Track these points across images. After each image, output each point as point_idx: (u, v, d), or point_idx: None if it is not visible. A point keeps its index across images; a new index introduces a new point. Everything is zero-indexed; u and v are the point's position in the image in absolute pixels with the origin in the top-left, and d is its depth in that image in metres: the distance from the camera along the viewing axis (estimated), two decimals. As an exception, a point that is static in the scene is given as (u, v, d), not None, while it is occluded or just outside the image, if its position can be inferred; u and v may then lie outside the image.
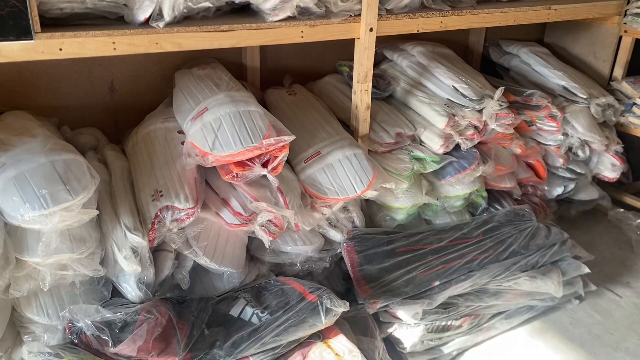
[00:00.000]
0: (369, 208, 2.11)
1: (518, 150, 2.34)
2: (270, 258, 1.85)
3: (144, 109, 2.01)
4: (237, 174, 1.63)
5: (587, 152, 2.52)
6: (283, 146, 1.67)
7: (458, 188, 2.11)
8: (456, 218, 2.23)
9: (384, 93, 2.22)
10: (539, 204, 2.48)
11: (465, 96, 2.08)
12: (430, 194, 2.10)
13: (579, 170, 2.56)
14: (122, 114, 2.06)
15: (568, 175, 2.56)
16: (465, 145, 2.07)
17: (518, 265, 2.00)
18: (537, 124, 2.37)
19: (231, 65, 2.15)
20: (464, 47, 2.83)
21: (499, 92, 2.08)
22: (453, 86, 2.12)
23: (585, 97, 2.40)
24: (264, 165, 1.67)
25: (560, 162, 2.49)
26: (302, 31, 1.77)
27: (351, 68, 2.26)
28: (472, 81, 2.15)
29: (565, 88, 2.44)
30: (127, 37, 1.52)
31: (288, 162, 1.90)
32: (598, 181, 2.74)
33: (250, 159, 1.65)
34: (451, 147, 2.07)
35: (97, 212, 1.51)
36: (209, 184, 1.77)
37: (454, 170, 2.07)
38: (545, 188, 2.54)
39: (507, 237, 2.11)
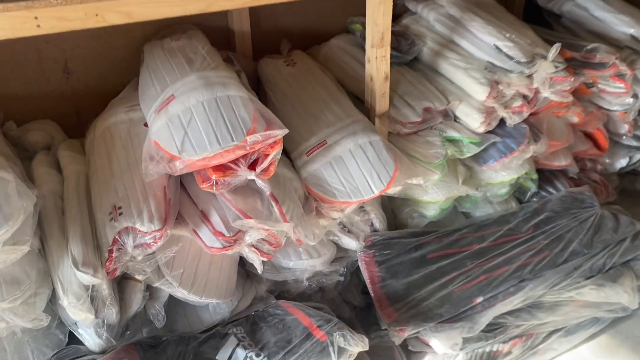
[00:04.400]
0: (392, 202, 1.71)
1: (575, 119, 1.89)
2: (269, 275, 1.49)
3: (110, 92, 1.61)
4: (216, 181, 1.26)
5: (660, 115, 2.05)
6: (275, 142, 1.28)
7: (503, 174, 1.70)
8: (500, 207, 1.82)
9: (406, 56, 1.78)
10: (600, 182, 2.05)
11: (510, 57, 1.63)
12: (468, 182, 1.69)
13: (647, 137, 2.11)
14: (84, 100, 1.68)
15: (634, 143, 2.10)
16: (512, 120, 1.63)
17: (581, 270, 1.60)
18: (599, 85, 1.91)
19: (215, 31, 1.73)
20: (503, -10, 2.33)
21: (554, 51, 1.62)
22: (495, 45, 1.67)
23: (661, 48, 1.92)
24: (252, 166, 1.29)
25: (625, 128, 2.04)
26: (291, -15, 1.35)
27: (365, 26, 1.82)
28: (519, 37, 1.68)
29: (634, 37, 1.95)
30: (54, 10, 1.12)
31: (286, 154, 1.51)
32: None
33: (234, 161, 1.27)
34: (494, 124, 1.64)
35: (27, 249, 1.15)
36: (185, 189, 1.40)
37: (498, 153, 1.65)
38: (607, 161, 2.09)
39: (564, 231, 1.71)
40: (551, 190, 1.90)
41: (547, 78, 1.64)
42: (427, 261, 1.59)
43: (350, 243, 1.55)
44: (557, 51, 1.63)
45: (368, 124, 1.52)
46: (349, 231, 1.56)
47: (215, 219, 1.30)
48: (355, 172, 1.43)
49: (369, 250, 1.55)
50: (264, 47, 1.84)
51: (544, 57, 1.64)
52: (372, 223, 1.59)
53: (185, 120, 1.26)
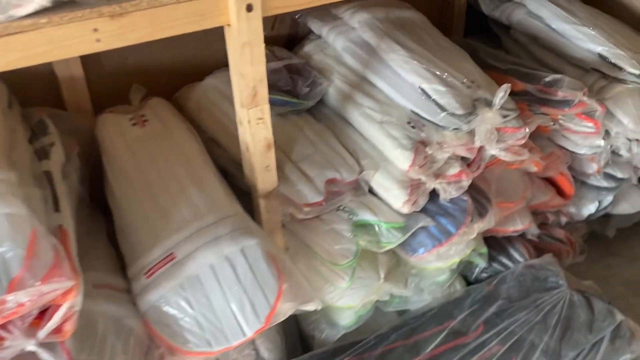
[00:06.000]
0: (293, 307, 1.25)
1: (534, 168, 1.46)
2: None
3: None
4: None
5: (635, 150, 1.64)
6: (67, 291, 0.80)
7: (439, 264, 1.25)
8: (440, 293, 1.38)
9: (305, 102, 1.31)
10: (565, 239, 1.64)
11: (442, 108, 1.17)
12: (393, 274, 1.24)
13: (619, 175, 1.69)
14: None
15: (605, 184, 1.69)
16: (447, 194, 1.18)
17: (550, 394, 1.19)
18: (561, 122, 1.48)
19: (35, 79, 1.22)
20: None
21: (502, 94, 1.17)
22: (421, 88, 1.20)
23: (637, 72, 1.48)
24: (36, 323, 0.80)
25: (593, 168, 1.63)
26: (95, 29, 0.86)
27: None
28: (454, 75, 1.22)
29: (603, 57, 1.51)
30: None
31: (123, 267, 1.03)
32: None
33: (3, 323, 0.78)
34: (422, 202, 1.19)
35: None
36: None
37: (430, 239, 1.20)
38: (572, 210, 1.68)
39: (524, 331, 1.28)
40: (505, 261, 1.48)
41: (494, 130, 1.19)
42: (342, 399, 1.14)
43: (225, 391, 1.09)
44: (507, 94, 1.18)
45: (241, 220, 1.04)
46: (223, 371, 1.10)
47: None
48: (219, 303, 0.96)
49: (252, 399, 1.09)
50: (111, 94, 1.33)
51: (489, 104, 1.19)
52: (258, 353, 1.12)
53: None
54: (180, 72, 1.44)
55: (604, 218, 1.83)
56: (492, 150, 1.21)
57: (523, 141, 1.24)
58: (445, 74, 1.20)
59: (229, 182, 1.23)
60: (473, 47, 1.55)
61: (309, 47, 1.44)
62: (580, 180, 1.70)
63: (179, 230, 1.01)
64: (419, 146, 1.15)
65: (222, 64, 1.45)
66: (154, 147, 1.16)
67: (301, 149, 1.23)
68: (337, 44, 1.37)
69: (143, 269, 1.00)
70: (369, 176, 1.19)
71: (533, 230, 1.51)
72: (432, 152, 1.15)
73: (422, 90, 1.19)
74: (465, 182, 1.19)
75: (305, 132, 1.27)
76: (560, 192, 1.63)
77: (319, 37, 1.45)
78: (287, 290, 0.99)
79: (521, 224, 1.45)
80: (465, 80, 1.21)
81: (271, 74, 1.29)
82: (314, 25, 1.44)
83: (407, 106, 1.22)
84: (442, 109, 1.15)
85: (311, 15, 1.46)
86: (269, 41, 1.52)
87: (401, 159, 1.15)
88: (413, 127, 1.18)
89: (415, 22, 1.40)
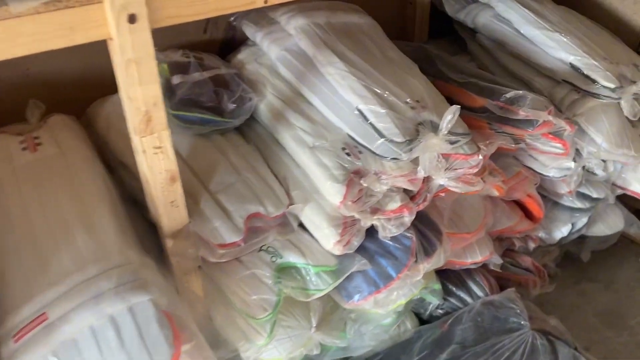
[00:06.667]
0: None
1: (495, 193, 1.30)
2: None
3: None
4: None
5: (611, 168, 1.49)
6: None
7: (379, 311, 1.09)
8: (387, 335, 1.23)
9: (230, 121, 1.13)
10: (533, 268, 1.48)
11: (380, 133, 1.00)
12: (327, 321, 1.08)
13: (595, 195, 1.54)
14: None
15: (578, 205, 1.54)
16: (387, 232, 1.02)
17: None
18: (528, 141, 1.32)
19: None
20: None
21: (449, 117, 1.00)
22: (358, 109, 1.03)
23: (611, 85, 1.32)
24: None
25: (565, 188, 1.48)
26: None
27: (173, 67, 1.20)
28: (397, 94, 1.05)
29: (575, 68, 1.35)
30: None
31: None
32: (621, 196, 1.72)
33: None
34: (357, 242, 1.02)
35: None
36: None
37: (367, 284, 1.04)
38: (541, 235, 1.53)
39: (479, 383, 1.13)
40: (464, 296, 1.33)
41: (440, 158, 1.03)
42: None
43: None
44: (455, 116, 1.01)
45: (133, 271, 0.88)
46: None
47: None
48: (97, 373, 0.80)
49: None
50: (11, 110, 1.15)
51: (435, 128, 1.02)
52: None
53: None
54: (94, 83, 1.25)
55: (578, 240, 1.68)
56: (440, 180, 1.04)
57: (477, 169, 1.07)
58: (387, 92, 1.03)
59: (143, 215, 1.08)
60: (430, 55, 1.38)
61: (243, 55, 1.27)
62: (552, 201, 1.55)
63: (55, 283, 0.85)
64: (353, 178, 0.99)
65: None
66: (43, 177, 0.99)
67: (222, 177, 1.06)
68: (271, 53, 1.20)
69: (11, 331, 0.83)
70: (297, 210, 1.02)
71: (495, 261, 1.35)
72: (368, 185, 0.98)
73: (360, 111, 1.02)
74: (408, 218, 1.02)
75: (228, 156, 1.10)
76: (528, 215, 1.48)
77: (254, 44, 1.28)
78: (185, 356, 0.83)
79: (481, 255, 1.30)
80: (409, 99, 1.04)
81: (194, 87, 1.13)
82: (248, 30, 1.27)
83: (343, 129, 1.06)
84: (380, 134, 0.99)
85: (246, 19, 1.29)
86: (201, 47, 1.36)
87: (332, 193, 0.98)
88: (348, 154, 1.02)
89: (362, 29, 1.23)
